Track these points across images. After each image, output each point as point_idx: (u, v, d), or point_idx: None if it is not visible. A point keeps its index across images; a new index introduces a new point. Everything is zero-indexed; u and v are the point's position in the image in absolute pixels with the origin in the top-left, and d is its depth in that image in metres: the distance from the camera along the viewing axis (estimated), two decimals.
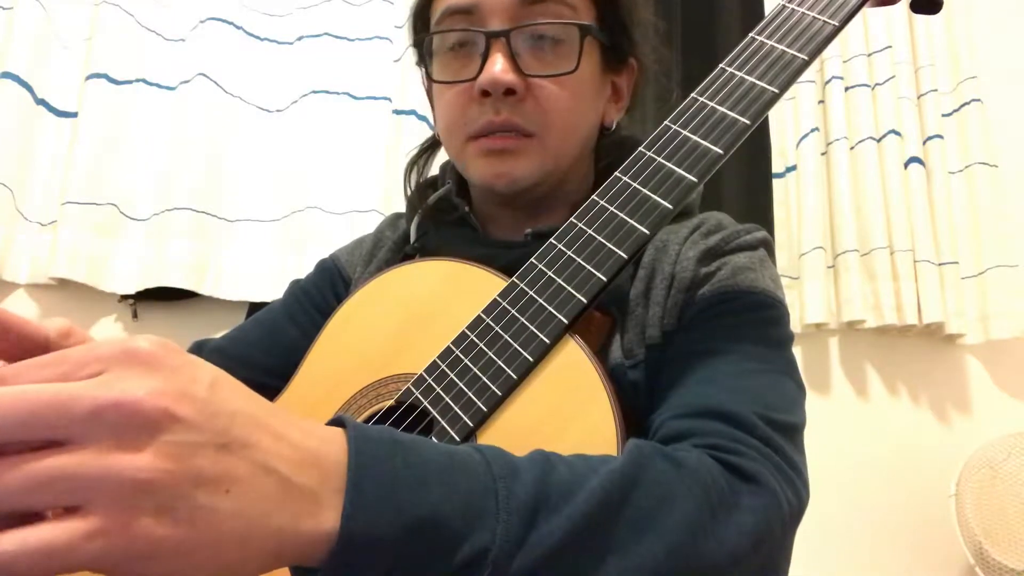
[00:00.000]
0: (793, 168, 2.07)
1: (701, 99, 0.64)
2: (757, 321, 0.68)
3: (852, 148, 2.05)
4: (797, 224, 2.03)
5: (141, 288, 1.72)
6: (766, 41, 0.63)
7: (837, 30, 0.61)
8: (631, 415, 0.61)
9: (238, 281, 1.78)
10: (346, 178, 1.87)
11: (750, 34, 0.65)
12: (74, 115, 1.77)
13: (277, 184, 1.86)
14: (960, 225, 2.04)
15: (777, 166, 2.09)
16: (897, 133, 2.04)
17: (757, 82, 0.61)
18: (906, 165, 2.03)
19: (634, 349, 0.69)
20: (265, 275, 1.80)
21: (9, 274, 1.70)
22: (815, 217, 2.00)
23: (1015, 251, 2.01)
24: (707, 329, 0.67)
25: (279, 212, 1.84)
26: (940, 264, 2.00)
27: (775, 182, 2.07)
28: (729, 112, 0.62)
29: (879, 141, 2.04)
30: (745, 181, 2.04)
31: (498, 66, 0.72)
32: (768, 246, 0.76)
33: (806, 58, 0.61)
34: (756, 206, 2.02)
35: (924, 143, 2.07)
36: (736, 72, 0.63)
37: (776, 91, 0.61)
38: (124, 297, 1.75)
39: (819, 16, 0.62)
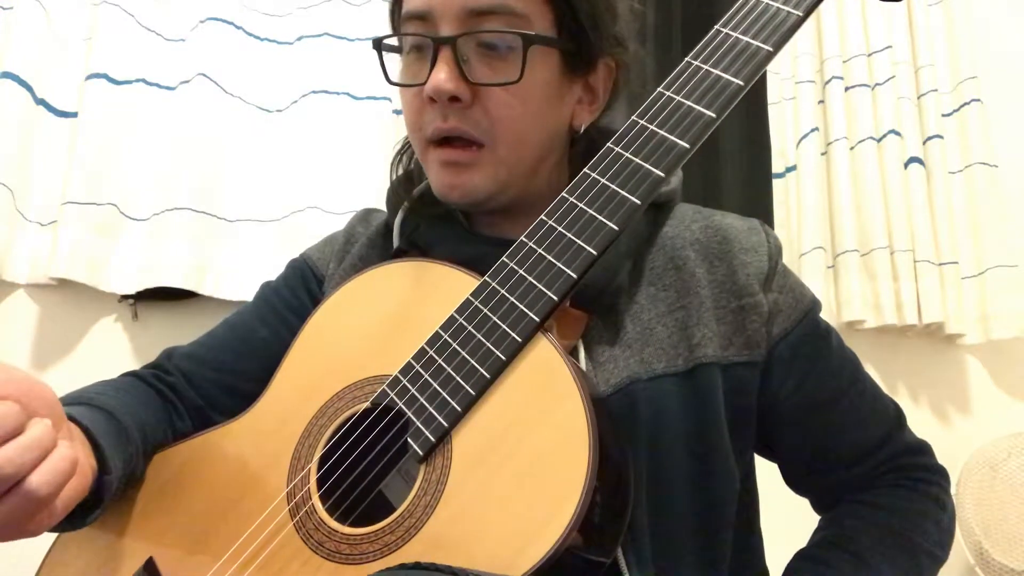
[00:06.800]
0: (793, 168, 2.06)
1: (667, 93, 0.64)
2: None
3: (852, 148, 2.04)
4: (797, 224, 2.02)
5: (141, 288, 1.71)
6: (731, 33, 0.63)
7: (802, 20, 0.61)
8: (603, 408, 0.62)
9: (238, 281, 1.78)
10: (346, 178, 1.86)
11: (715, 26, 0.65)
12: (74, 115, 1.77)
13: (277, 184, 1.85)
14: (960, 225, 2.04)
15: (777, 166, 2.08)
16: (897, 133, 2.04)
17: (722, 75, 0.61)
18: (906, 165, 2.03)
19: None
20: (265, 275, 1.76)
21: (9, 274, 1.69)
22: (815, 217, 1.99)
23: (1015, 251, 2.00)
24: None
25: (279, 212, 1.84)
26: (940, 264, 1.99)
27: (775, 182, 2.06)
28: (695, 106, 0.62)
29: (879, 141, 2.04)
30: (745, 181, 2.03)
31: (442, 74, 0.72)
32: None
33: (771, 49, 0.61)
34: (756, 206, 2.01)
35: (924, 143, 2.07)
36: (701, 65, 0.63)
37: (741, 83, 0.61)
38: (124, 297, 1.75)
39: (783, 7, 0.62)
